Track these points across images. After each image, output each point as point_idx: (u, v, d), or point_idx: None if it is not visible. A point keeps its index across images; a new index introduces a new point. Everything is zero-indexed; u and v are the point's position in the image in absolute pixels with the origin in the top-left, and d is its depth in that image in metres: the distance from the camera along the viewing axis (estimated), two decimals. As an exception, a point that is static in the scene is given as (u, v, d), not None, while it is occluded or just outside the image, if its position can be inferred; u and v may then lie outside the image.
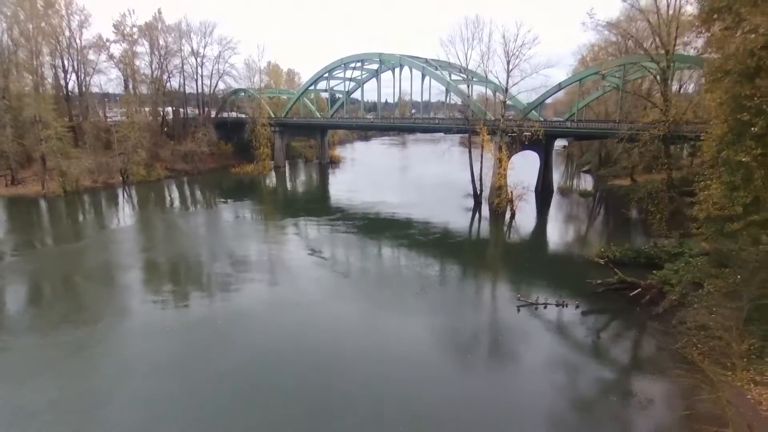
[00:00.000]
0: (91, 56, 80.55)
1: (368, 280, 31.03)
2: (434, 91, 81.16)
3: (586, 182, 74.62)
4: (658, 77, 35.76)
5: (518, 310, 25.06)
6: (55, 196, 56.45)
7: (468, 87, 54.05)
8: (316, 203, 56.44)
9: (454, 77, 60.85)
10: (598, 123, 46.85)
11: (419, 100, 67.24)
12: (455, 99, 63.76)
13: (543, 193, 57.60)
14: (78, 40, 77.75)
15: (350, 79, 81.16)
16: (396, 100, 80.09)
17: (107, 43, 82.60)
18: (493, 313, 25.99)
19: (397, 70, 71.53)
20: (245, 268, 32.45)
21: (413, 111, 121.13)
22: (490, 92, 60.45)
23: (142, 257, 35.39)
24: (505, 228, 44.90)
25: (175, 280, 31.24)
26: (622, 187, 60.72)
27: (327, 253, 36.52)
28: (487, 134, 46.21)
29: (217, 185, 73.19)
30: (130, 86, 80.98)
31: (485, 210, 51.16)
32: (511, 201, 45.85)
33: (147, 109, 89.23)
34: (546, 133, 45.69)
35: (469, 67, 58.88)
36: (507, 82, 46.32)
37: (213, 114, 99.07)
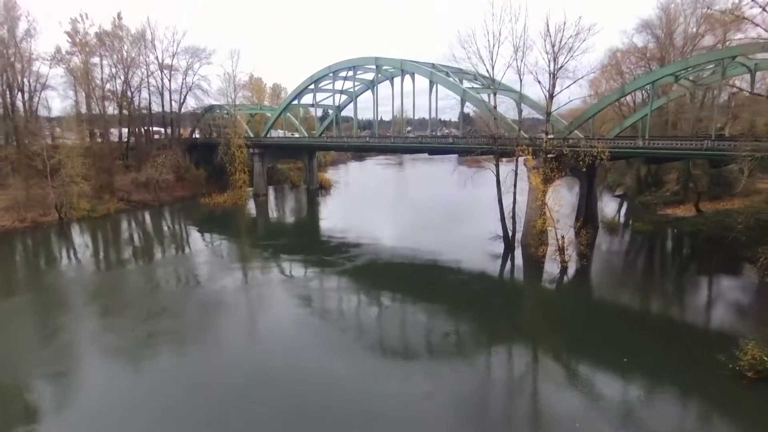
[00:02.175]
0: (44, 69, 68.72)
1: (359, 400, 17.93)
2: (442, 104, 68.96)
3: (622, 210, 62.21)
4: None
5: None
6: (-44, 244, 43.47)
7: (491, 96, 41.60)
8: (298, 250, 43.03)
9: (468, 85, 48.69)
10: (685, 140, 34.03)
11: (422, 116, 55.17)
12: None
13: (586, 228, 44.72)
14: (18, 50, 65.34)
15: (341, 92, 68.94)
16: (395, 114, 67.85)
17: (66, 55, 70.76)
18: None
19: (396, 80, 59.59)
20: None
21: (409, 129, 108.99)
22: (511, 101, 48.39)
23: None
24: (557, 288, 31.96)
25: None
26: (683, 219, 48.25)
27: (311, 343, 23.33)
28: (532, 156, 33.49)
29: (178, 221, 60.21)
30: (77, 103, 68.32)
31: (520, 257, 38.35)
32: (561, 250, 32.92)
33: (114, 130, 77.27)
34: (612, 155, 33.01)
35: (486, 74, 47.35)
36: (551, 87, 33.81)
37: (194, 133, 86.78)
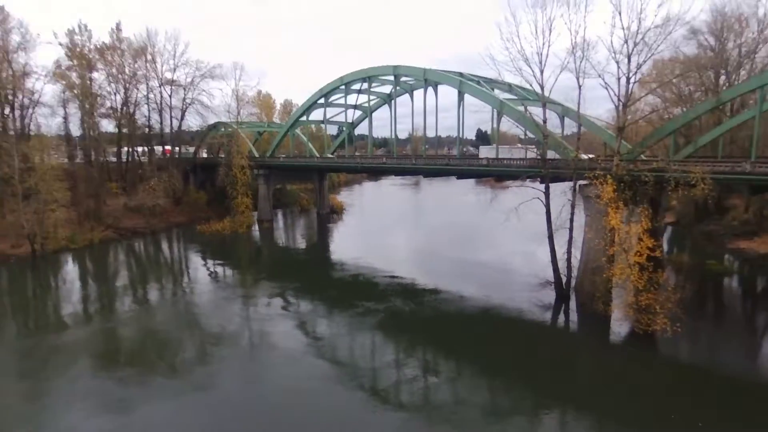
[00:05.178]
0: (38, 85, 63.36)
1: None
2: (471, 122, 60.63)
3: (670, 240, 53.65)
4: None
5: None
6: None
7: (530, 109, 34.16)
8: (308, 295, 35.82)
9: (504, 96, 41.27)
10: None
11: (439, 133, 47.80)
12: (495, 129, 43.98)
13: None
14: (10, 64, 60.09)
15: (355, 107, 62.11)
16: (415, 131, 60.75)
17: (66, 71, 65.40)
18: None
19: (416, 93, 52.67)
20: None
21: (425, 147, 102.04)
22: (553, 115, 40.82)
23: None
24: (636, 361, 23.61)
25: None
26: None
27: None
28: (612, 186, 25.36)
29: (166, 253, 53.43)
30: (65, 120, 62.56)
31: (575, 309, 30.32)
32: (640, 309, 24.66)
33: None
34: (716, 183, 24.83)
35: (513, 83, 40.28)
36: (627, 91, 26.19)
37: (198, 153, 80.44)
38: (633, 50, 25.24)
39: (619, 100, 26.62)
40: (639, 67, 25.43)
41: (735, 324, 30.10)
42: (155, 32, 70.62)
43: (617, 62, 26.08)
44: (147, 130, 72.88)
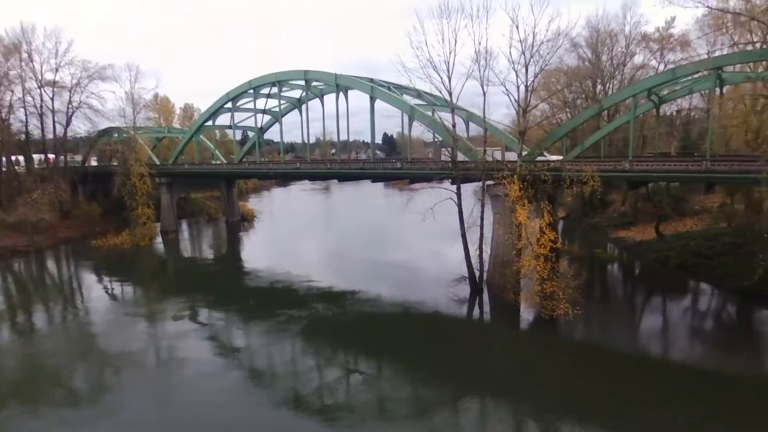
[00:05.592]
0: None
1: None
2: (361, 126, 61.39)
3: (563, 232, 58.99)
4: None
5: None
6: None
7: (438, 114, 35.84)
8: (221, 306, 34.14)
9: (414, 102, 42.66)
10: (676, 161, 29.88)
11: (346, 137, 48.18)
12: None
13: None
14: None
15: (264, 111, 60.49)
16: (327, 136, 60.69)
17: None
18: None
19: (327, 98, 52.61)
20: None
21: (332, 152, 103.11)
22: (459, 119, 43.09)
23: None
24: (542, 345, 25.70)
25: None
26: (644, 244, 44.97)
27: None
28: (518, 184, 27.24)
29: (53, 273, 47.86)
30: None
31: (488, 301, 32.24)
32: (545, 296, 26.84)
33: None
34: (602, 180, 27.92)
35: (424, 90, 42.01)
36: (527, 98, 28.45)
37: (88, 161, 72.84)
38: (530, 61, 27.49)
39: (519, 106, 28.86)
40: (536, 76, 27.89)
41: (620, 305, 34.02)
42: (32, 28, 63.14)
43: (516, 71, 28.32)
44: (24, 136, 64.97)
